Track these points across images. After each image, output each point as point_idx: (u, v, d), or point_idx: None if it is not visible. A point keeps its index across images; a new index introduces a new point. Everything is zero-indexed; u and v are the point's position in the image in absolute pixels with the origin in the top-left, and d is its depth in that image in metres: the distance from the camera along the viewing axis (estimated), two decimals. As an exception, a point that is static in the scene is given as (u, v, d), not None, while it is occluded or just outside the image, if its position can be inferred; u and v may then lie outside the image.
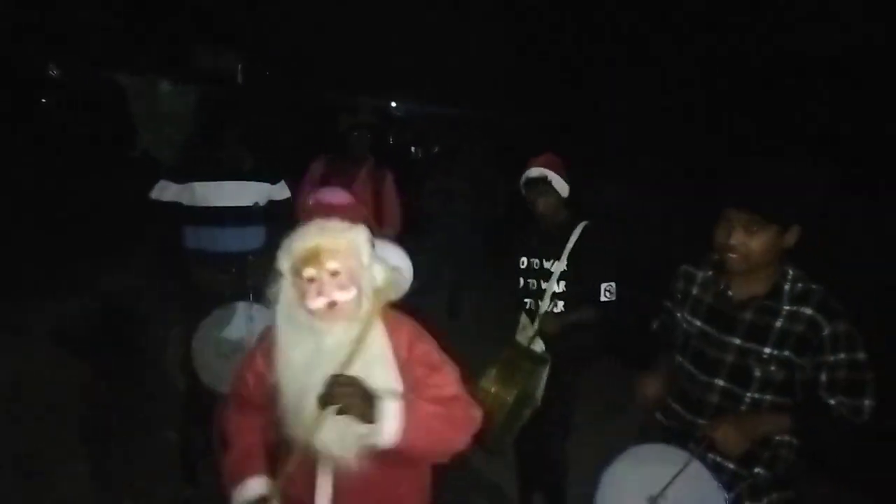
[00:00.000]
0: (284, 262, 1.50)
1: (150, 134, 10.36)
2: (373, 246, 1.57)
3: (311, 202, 1.68)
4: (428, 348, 1.59)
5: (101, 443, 3.41)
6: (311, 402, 1.41)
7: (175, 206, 2.79)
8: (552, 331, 2.76)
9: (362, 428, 1.41)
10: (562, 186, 2.78)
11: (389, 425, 1.40)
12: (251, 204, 2.84)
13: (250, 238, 2.89)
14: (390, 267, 1.58)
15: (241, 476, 1.57)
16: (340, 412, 1.38)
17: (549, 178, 2.74)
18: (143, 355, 4.46)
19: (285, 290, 1.51)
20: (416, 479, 1.69)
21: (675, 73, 12.00)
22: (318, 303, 1.44)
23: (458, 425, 1.56)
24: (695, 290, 1.96)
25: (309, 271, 1.45)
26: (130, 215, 3.05)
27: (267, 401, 1.58)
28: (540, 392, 2.83)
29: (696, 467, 1.78)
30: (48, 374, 4.03)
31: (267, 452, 1.60)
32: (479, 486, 3.45)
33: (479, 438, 2.75)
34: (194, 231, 2.84)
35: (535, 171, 2.77)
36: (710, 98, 11.41)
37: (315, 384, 1.42)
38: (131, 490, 3.03)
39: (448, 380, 1.58)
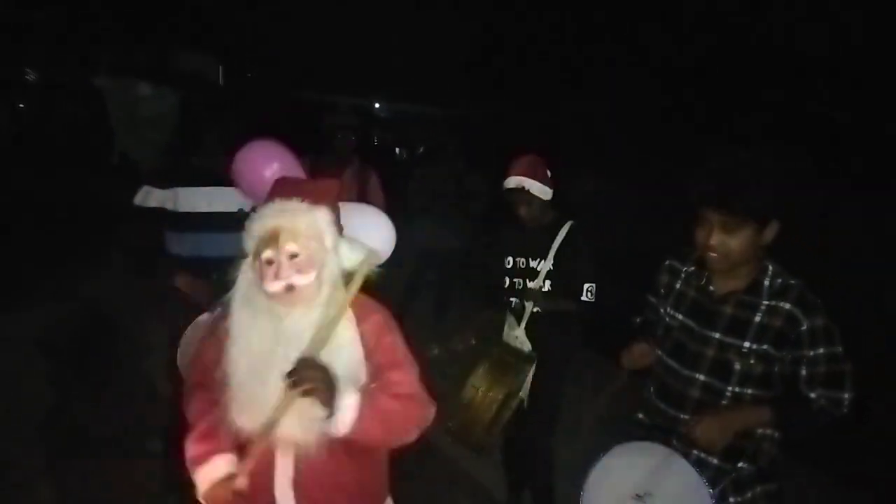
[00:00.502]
0: (247, 244, 1.48)
1: (129, 138, 10.23)
2: (339, 227, 1.53)
3: (278, 180, 1.63)
4: (394, 340, 1.58)
5: (82, 450, 3.36)
6: (268, 387, 1.39)
7: (158, 212, 2.76)
8: (534, 298, 2.76)
9: (321, 413, 1.39)
10: (542, 191, 2.77)
11: (346, 416, 1.40)
12: (235, 210, 2.81)
13: (235, 244, 2.85)
14: (362, 247, 1.55)
15: (205, 455, 1.51)
16: (304, 394, 1.36)
17: (527, 186, 2.74)
18: (126, 362, 4.41)
19: (244, 271, 1.49)
20: (375, 466, 1.66)
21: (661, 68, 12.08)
22: (275, 286, 1.41)
23: (411, 422, 1.55)
24: (678, 285, 1.97)
25: (267, 253, 1.43)
26: (110, 220, 3.00)
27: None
28: (525, 391, 2.84)
29: (681, 464, 1.79)
30: (28, 381, 3.98)
31: (229, 434, 1.52)
32: (467, 486, 3.45)
33: (465, 438, 2.77)
34: (178, 237, 2.81)
35: (512, 182, 2.78)
36: (703, 92, 11.50)
37: (272, 369, 1.40)
38: (116, 496, 3.00)
39: (408, 378, 1.56)
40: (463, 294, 5.27)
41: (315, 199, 1.49)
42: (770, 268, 1.79)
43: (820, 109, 9.27)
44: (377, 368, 1.53)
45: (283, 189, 1.53)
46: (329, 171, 3.69)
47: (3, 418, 3.57)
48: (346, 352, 1.47)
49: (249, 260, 1.48)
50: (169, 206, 2.76)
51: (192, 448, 1.54)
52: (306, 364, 1.37)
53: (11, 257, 5.90)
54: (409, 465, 1.79)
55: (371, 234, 1.69)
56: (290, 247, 1.42)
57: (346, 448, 1.49)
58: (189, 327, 2.64)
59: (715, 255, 1.75)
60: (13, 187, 7.61)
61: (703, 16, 11.45)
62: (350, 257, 1.52)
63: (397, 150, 16.70)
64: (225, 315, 1.55)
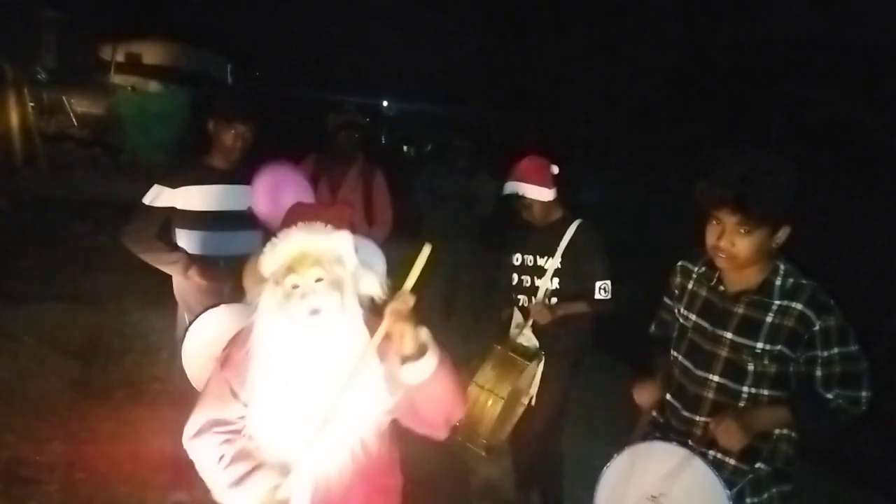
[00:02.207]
0: (268, 267, 1.46)
1: (140, 138, 10.27)
2: (356, 250, 1.53)
3: (294, 205, 1.63)
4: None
5: (89, 446, 3.36)
6: (291, 408, 1.40)
7: (169, 212, 2.76)
8: (542, 320, 2.76)
9: (409, 349, 1.39)
10: (540, 193, 2.77)
11: (428, 365, 1.40)
12: (245, 209, 2.81)
13: (244, 242, 2.85)
14: (375, 270, 1.56)
15: (248, 474, 1.46)
16: (403, 321, 1.37)
17: (522, 192, 2.76)
18: (134, 359, 4.42)
19: (268, 295, 1.48)
20: (389, 490, 1.65)
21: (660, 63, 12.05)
22: (301, 309, 1.41)
23: (455, 411, 1.55)
24: (691, 285, 1.95)
25: (292, 278, 1.43)
26: (120, 219, 3.00)
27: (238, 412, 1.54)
28: (534, 389, 2.82)
29: (698, 464, 1.76)
30: (36, 379, 3.98)
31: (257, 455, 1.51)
32: (475, 486, 3.43)
33: (472, 438, 2.76)
34: (188, 235, 2.81)
35: (508, 188, 2.80)
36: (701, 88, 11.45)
37: (298, 393, 1.40)
38: (122, 493, 3.00)
39: (453, 371, 1.56)
40: (470, 294, 5.28)
41: (336, 223, 1.50)
42: (782, 268, 1.76)
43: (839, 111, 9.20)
44: None
45: (303, 214, 1.52)
46: (335, 170, 3.68)
47: (13, 416, 3.59)
48: (372, 377, 1.47)
49: (270, 285, 1.47)
50: (179, 205, 2.75)
51: (229, 472, 1.49)
52: (403, 295, 1.38)
53: (23, 254, 5.92)
54: (419, 464, 1.77)
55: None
56: (315, 271, 1.43)
57: (364, 481, 1.50)
58: (192, 325, 2.64)
59: (723, 255, 1.73)
60: (32, 189, 7.65)
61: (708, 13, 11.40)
62: (366, 281, 1.52)
63: (405, 148, 16.73)
64: (243, 342, 1.54)
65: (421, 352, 1.41)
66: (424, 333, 1.43)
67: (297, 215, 1.52)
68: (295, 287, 1.43)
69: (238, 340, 1.57)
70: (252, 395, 1.49)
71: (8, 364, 4.07)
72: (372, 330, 1.47)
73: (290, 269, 1.43)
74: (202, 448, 1.56)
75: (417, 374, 1.41)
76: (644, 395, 2.02)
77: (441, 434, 1.56)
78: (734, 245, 1.70)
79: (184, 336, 2.64)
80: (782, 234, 1.70)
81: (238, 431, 1.54)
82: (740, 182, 1.64)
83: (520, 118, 14.06)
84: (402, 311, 1.37)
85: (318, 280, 1.43)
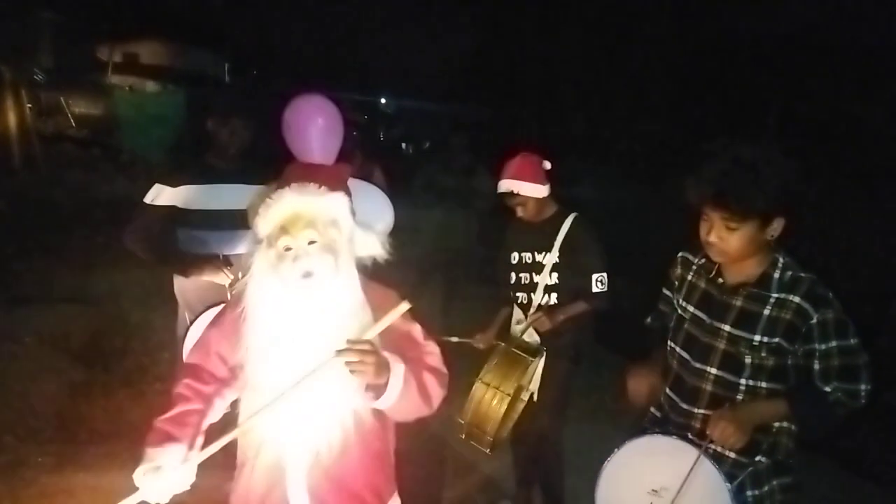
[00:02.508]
0: (262, 228, 1.45)
1: (138, 138, 10.26)
2: (353, 212, 1.52)
3: (291, 165, 1.60)
4: (413, 326, 1.59)
5: (91, 448, 3.37)
6: (282, 370, 1.40)
7: (170, 210, 2.76)
8: (541, 328, 2.77)
9: (365, 387, 1.40)
10: (534, 190, 2.77)
11: (393, 393, 1.42)
12: (245, 207, 2.80)
13: (245, 241, 2.86)
14: (373, 230, 1.54)
15: (165, 439, 1.44)
16: (354, 372, 1.36)
17: (516, 189, 2.76)
18: (136, 360, 4.42)
19: (261, 257, 1.47)
20: (384, 465, 1.65)
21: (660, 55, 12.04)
22: (293, 272, 1.40)
23: (437, 397, 1.56)
24: (690, 276, 1.95)
25: (284, 240, 1.41)
26: (120, 219, 2.99)
27: (226, 373, 1.54)
28: (535, 385, 2.83)
29: (698, 458, 1.77)
30: (37, 380, 3.99)
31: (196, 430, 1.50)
32: (477, 482, 3.43)
33: (477, 436, 2.76)
34: (189, 234, 2.81)
35: (503, 186, 2.80)
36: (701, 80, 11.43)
37: (292, 355, 1.40)
38: (125, 494, 3.00)
39: (437, 350, 1.60)
40: (469, 290, 5.27)
41: (332, 184, 1.48)
42: (781, 261, 1.76)
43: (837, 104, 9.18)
44: (406, 343, 1.55)
45: (299, 174, 1.50)
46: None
47: (15, 418, 3.59)
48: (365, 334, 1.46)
49: (264, 246, 1.46)
50: (180, 203, 2.75)
51: (158, 426, 1.47)
52: (359, 344, 1.37)
53: (23, 255, 5.92)
54: (418, 459, 1.78)
55: (370, 210, 1.65)
56: (308, 233, 1.41)
57: (357, 447, 1.49)
58: (193, 323, 2.64)
59: (715, 250, 1.74)
60: (29, 189, 7.63)
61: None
62: (364, 243, 1.50)
63: (403, 145, 16.69)
64: (236, 303, 1.53)
65: (384, 381, 1.41)
66: (387, 358, 1.42)
67: (292, 176, 1.50)
68: (287, 249, 1.41)
69: (232, 302, 1.56)
70: (245, 358, 1.47)
71: (9, 365, 4.07)
72: (367, 298, 1.49)
73: (282, 230, 1.42)
74: (175, 393, 1.54)
75: (383, 402, 1.43)
76: (637, 382, 2.01)
77: (428, 413, 1.57)
78: (723, 240, 1.70)
79: (185, 335, 2.65)
80: (776, 225, 1.69)
81: (204, 398, 1.52)
82: (720, 178, 1.64)
83: (518, 116, 14.04)
84: (364, 356, 1.36)
85: (311, 242, 1.41)
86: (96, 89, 11.20)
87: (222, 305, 2.59)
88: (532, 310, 2.85)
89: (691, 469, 1.75)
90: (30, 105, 8.57)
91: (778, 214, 1.68)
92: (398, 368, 1.44)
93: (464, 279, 5.40)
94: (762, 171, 1.62)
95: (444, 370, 1.60)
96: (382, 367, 1.40)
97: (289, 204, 1.43)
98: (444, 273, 5.27)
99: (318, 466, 1.47)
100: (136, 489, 1.41)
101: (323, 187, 1.45)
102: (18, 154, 8.03)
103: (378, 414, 1.54)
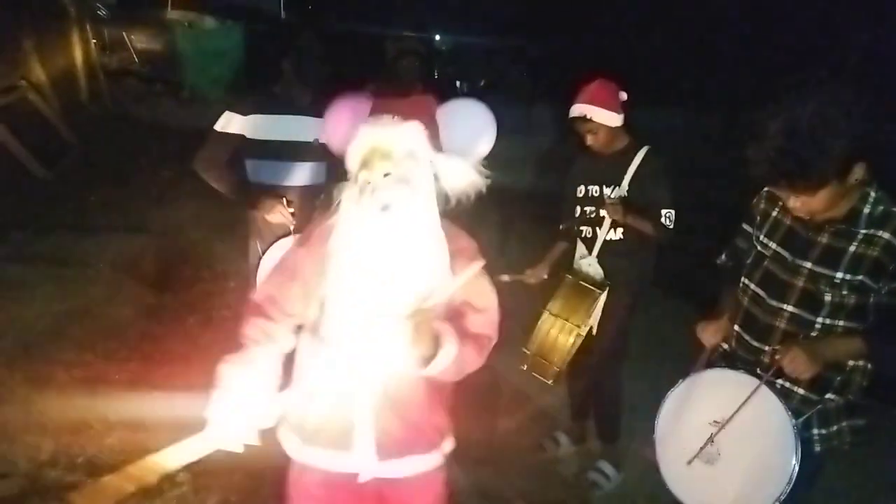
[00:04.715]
0: (350, 164, 1.49)
1: (198, 74, 10.34)
2: (437, 143, 1.51)
3: (374, 101, 1.60)
4: (482, 285, 1.58)
5: (164, 368, 3.53)
6: (362, 304, 1.43)
7: (239, 139, 2.79)
8: (614, 215, 2.68)
9: (420, 356, 1.42)
10: (608, 118, 2.67)
11: (440, 364, 1.44)
12: (311, 140, 2.81)
13: (311, 174, 2.88)
14: (470, 154, 1.53)
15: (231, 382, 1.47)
16: (415, 338, 1.38)
17: (590, 115, 2.65)
18: (204, 287, 4.59)
19: (347, 192, 1.49)
20: (443, 400, 1.67)
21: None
22: (372, 205, 1.42)
23: (479, 363, 1.58)
24: (775, 212, 1.87)
25: (363, 174, 1.44)
26: (185, 153, 3.04)
27: (300, 305, 1.56)
28: (594, 319, 2.82)
29: (763, 391, 1.75)
30: (113, 304, 4.18)
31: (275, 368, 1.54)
32: (532, 413, 3.49)
33: (542, 368, 2.78)
34: (256, 165, 2.84)
35: (575, 111, 2.70)
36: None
37: (369, 288, 1.43)
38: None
39: (490, 318, 1.59)
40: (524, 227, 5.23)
41: (407, 114, 1.47)
42: (872, 195, 1.66)
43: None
44: (461, 301, 1.54)
45: (376, 108, 1.52)
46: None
47: (93, 338, 3.79)
48: (436, 272, 1.47)
49: (351, 182, 1.49)
50: (248, 133, 2.78)
51: (228, 369, 1.50)
52: (421, 312, 1.38)
53: (94, 186, 6.12)
54: (473, 388, 1.80)
55: (470, 131, 1.61)
56: (384, 165, 1.42)
57: (423, 381, 1.53)
58: (267, 254, 2.71)
59: (799, 211, 1.67)
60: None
61: None
62: (451, 174, 1.49)
63: (458, 83, 16.35)
64: (327, 234, 1.54)
65: (436, 348, 1.42)
66: (440, 329, 1.43)
67: (372, 109, 1.52)
68: (367, 183, 1.43)
69: (322, 232, 1.56)
70: (328, 290, 1.51)
71: (85, 289, 4.27)
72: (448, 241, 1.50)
73: (363, 164, 1.44)
74: (245, 327, 1.57)
75: (436, 367, 1.44)
76: (709, 335, 1.98)
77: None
78: (805, 203, 1.62)
79: (257, 264, 2.73)
80: (858, 170, 1.57)
81: (274, 338, 1.55)
82: (779, 158, 1.52)
83: (577, 49, 13.51)
84: (423, 321, 1.37)
85: (387, 175, 1.43)
86: (157, 25, 11.25)
87: (291, 236, 2.66)
88: (597, 246, 2.81)
89: (750, 395, 1.74)
90: (94, 40, 8.70)
91: (856, 162, 1.56)
92: (449, 349, 1.44)
93: (518, 217, 5.36)
94: (823, 137, 1.48)
95: (494, 334, 1.60)
96: (434, 343, 1.41)
97: (366, 137, 1.45)
98: (499, 211, 5.24)
99: (385, 395, 1.52)
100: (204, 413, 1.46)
101: (397, 118, 1.45)
102: (85, 89, 8.20)
103: None
